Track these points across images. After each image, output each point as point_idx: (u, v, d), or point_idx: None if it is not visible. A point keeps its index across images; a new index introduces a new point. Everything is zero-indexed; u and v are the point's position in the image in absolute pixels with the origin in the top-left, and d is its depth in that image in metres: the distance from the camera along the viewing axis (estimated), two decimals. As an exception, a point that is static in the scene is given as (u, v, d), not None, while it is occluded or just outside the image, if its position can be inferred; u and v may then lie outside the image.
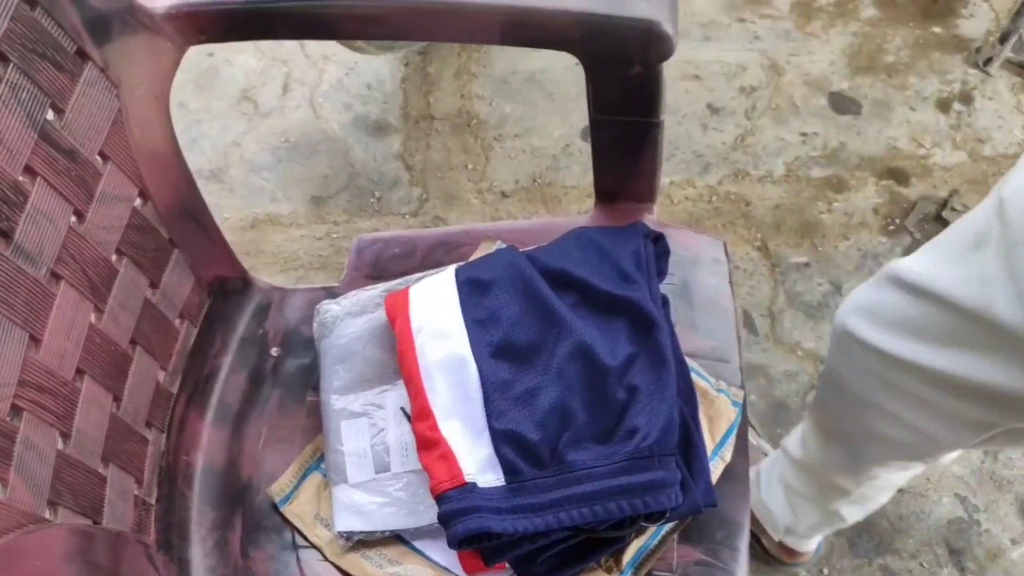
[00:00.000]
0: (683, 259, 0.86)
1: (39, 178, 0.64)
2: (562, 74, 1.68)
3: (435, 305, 0.78)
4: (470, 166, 1.62)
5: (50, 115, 0.64)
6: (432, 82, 1.70)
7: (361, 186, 1.63)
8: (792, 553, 1.20)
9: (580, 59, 0.73)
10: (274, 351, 0.90)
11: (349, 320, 0.86)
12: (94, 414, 0.71)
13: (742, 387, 0.81)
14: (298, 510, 0.80)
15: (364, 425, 0.81)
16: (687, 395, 0.76)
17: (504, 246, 0.88)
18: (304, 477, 0.82)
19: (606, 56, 0.73)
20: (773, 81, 1.67)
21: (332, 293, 0.91)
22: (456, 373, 0.74)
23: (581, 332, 0.73)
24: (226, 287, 0.89)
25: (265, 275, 1.53)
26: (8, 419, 0.61)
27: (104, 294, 0.72)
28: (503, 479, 0.69)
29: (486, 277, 0.79)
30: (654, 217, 0.88)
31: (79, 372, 0.69)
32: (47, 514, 0.63)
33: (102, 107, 0.69)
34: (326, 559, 0.76)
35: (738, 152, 1.59)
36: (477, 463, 0.70)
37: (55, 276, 0.66)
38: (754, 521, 1.16)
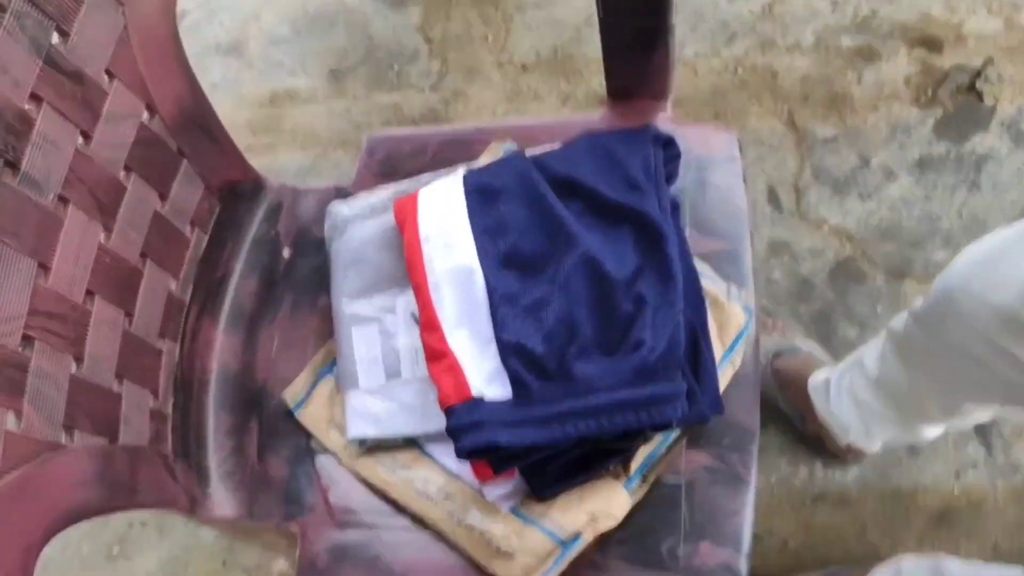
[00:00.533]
0: (697, 158, 0.84)
1: (44, 104, 0.63)
2: None
3: (443, 213, 0.78)
4: (490, 38, 1.57)
5: (55, 39, 0.63)
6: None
7: (380, 59, 1.59)
8: (857, 453, 1.16)
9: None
10: (286, 252, 0.91)
11: (359, 222, 0.86)
12: (106, 334, 0.72)
13: (754, 288, 0.80)
14: (312, 415, 0.82)
15: (375, 331, 0.82)
16: (695, 303, 0.76)
17: (514, 147, 0.87)
18: (317, 382, 0.84)
19: None
20: (805, -56, 1.58)
21: (343, 193, 0.91)
22: (463, 284, 0.74)
23: (588, 244, 0.73)
24: (236, 191, 0.89)
25: (285, 153, 1.53)
26: (20, 349, 0.62)
27: (112, 212, 0.72)
28: (510, 392, 0.70)
29: (495, 184, 0.78)
30: (667, 114, 0.86)
31: (89, 294, 0.70)
32: (63, 439, 0.65)
33: (107, 25, 0.67)
34: (341, 463, 0.79)
35: (765, 22, 1.52)
36: (484, 375, 0.71)
37: (62, 200, 0.66)
38: (815, 420, 1.14)
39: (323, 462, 0.80)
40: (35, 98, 0.62)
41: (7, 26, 0.58)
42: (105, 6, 0.66)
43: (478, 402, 0.70)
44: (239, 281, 0.89)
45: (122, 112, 0.70)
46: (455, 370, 0.71)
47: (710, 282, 0.79)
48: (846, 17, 1.51)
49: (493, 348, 0.72)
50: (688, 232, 0.81)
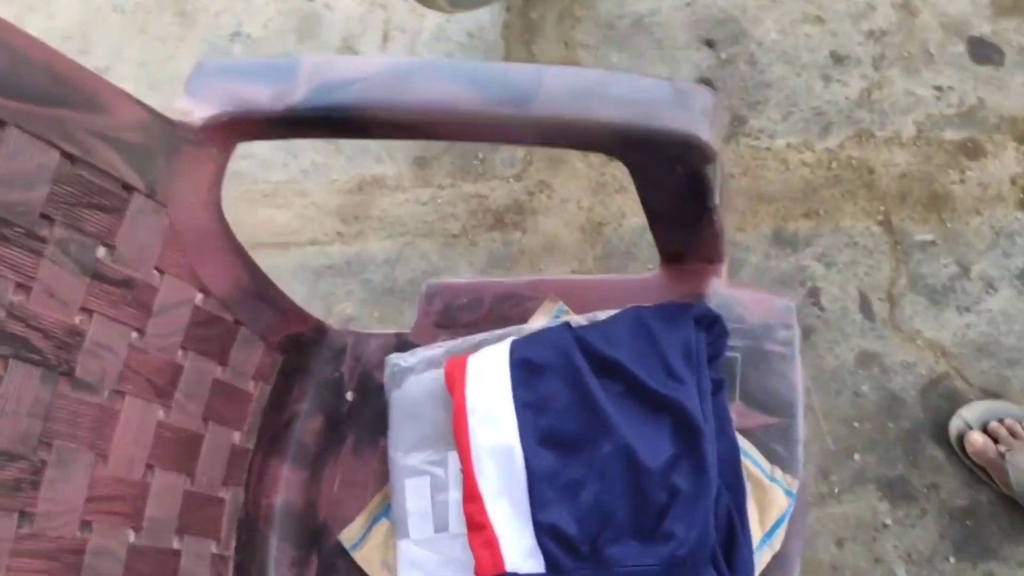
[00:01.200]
0: (752, 326, 0.83)
1: (95, 315, 0.67)
2: (672, 15, 1.59)
3: (489, 385, 0.80)
4: (576, 127, 1.58)
5: (101, 252, 0.67)
6: (535, 29, 1.64)
7: (464, 146, 1.62)
8: None
9: (623, 163, 0.70)
10: (349, 395, 0.94)
11: (416, 375, 0.89)
12: (167, 499, 0.76)
13: (802, 468, 0.78)
14: (367, 556, 0.86)
15: (426, 483, 0.84)
16: (735, 485, 0.75)
17: (565, 310, 0.88)
18: (374, 523, 0.87)
19: (647, 162, 0.69)
20: (906, 24, 1.51)
21: (403, 340, 0.94)
22: (504, 459, 0.77)
23: (625, 431, 0.74)
24: (299, 340, 0.93)
25: (374, 240, 1.57)
26: (78, 534, 0.67)
27: (170, 392, 0.76)
28: (543, 568, 0.73)
29: (539, 359, 0.79)
30: (722, 279, 0.85)
31: (149, 467, 0.75)
32: (118, 602, 0.70)
33: (152, 229, 0.71)
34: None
35: (863, 109, 1.47)
36: (520, 551, 0.74)
37: (119, 393, 0.71)
38: None
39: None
40: (85, 310, 0.66)
41: (50, 255, 0.62)
42: (147, 212, 0.69)
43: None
44: (304, 420, 0.92)
45: (175, 301, 0.74)
46: (492, 545, 0.74)
47: (752, 464, 0.78)
48: (951, 106, 1.44)
49: (530, 526, 0.74)
50: (736, 406, 0.80)
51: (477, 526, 0.76)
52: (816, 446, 1.24)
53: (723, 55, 1.53)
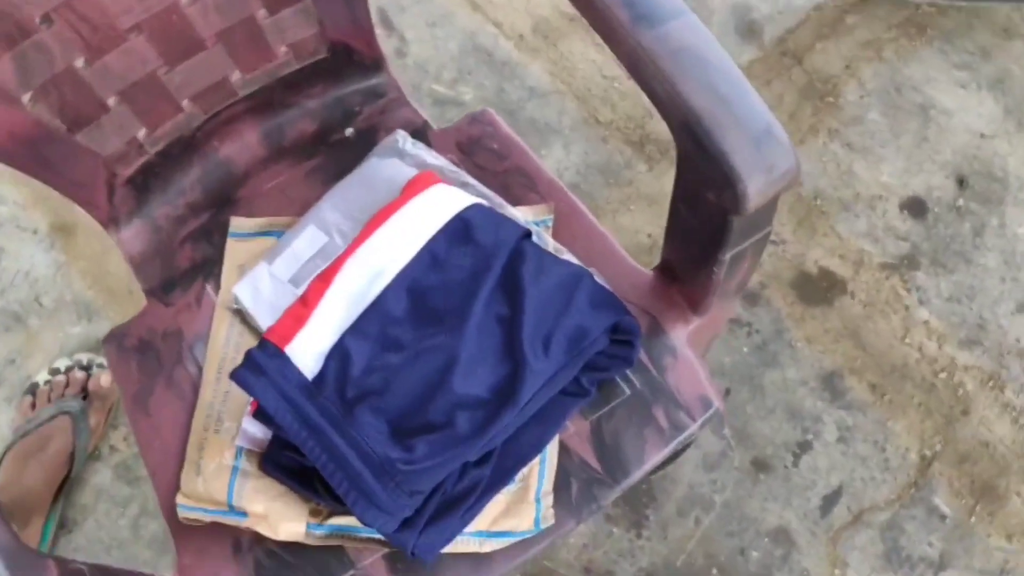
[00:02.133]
0: (661, 384, 0.79)
1: None
2: (950, 123, 1.45)
3: (424, 215, 0.80)
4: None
5: None
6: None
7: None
8: None
9: (675, 141, 0.66)
10: (349, 131, 0.94)
11: (399, 162, 0.88)
12: (131, 64, 0.79)
13: (572, 523, 0.76)
14: (246, 250, 0.88)
15: (321, 240, 0.86)
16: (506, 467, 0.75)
17: (546, 227, 0.86)
18: (268, 234, 0.89)
19: (693, 163, 0.65)
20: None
21: (423, 132, 0.93)
22: (370, 277, 0.78)
23: (465, 347, 0.73)
24: (352, 55, 0.92)
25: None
26: (36, 20, 0.69)
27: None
28: (311, 377, 0.73)
29: (475, 234, 0.78)
30: (685, 330, 0.81)
31: (136, 28, 0.76)
32: (24, 99, 0.73)
33: None
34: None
35: None
36: (311, 348, 0.75)
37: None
38: None
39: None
40: None
41: None
42: None
43: (284, 358, 0.73)
44: (298, 115, 0.93)
45: None
46: (299, 323, 0.76)
47: (541, 468, 0.77)
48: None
49: (334, 340, 0.75)
50: (579, 423, 0.78)
51: (305, 301, 0.77)
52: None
53: (960, 201, 1.41)
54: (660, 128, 1.45)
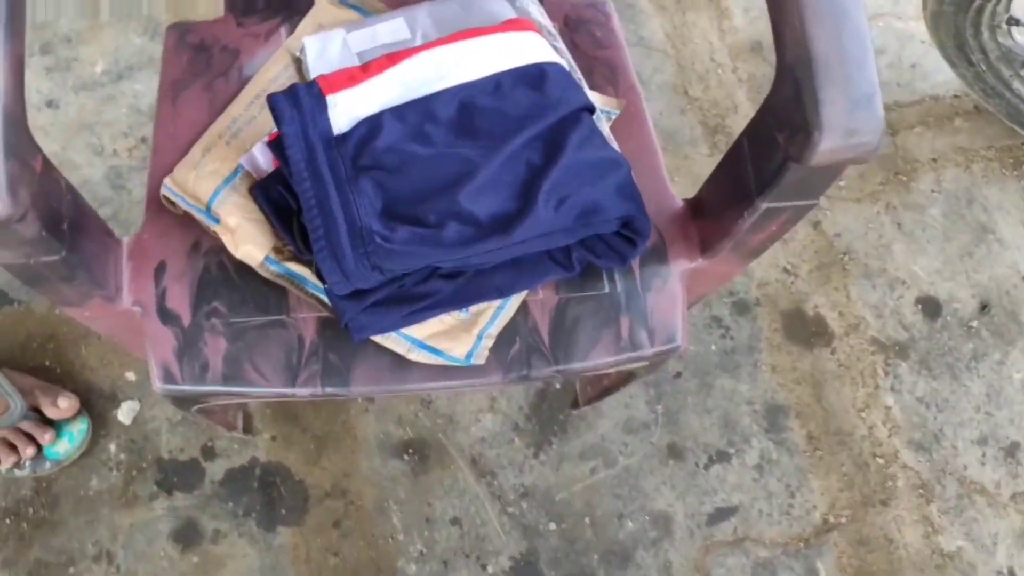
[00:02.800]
0: (641, 306, 0.82)
1: None
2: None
3: (502, 50, 0.81)
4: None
5: None
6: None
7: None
8: None
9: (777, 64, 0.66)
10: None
11: (508, 3, 0.90)
12: None
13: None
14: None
15: (403, 34, 0.87)
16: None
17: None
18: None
19: (778, 104, 0.65)
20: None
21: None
22: (434, 76, 0.79)
23: (482, 168, 0.74)
24: None
25: None
26: None
27: None
28: (336, 132, 0.75)
29: (546, 86, 0.79)
30: (689, 266, 0.82)
31: None
32: None
33: None
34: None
35: None
36: (350, 107, 0.76)
37: None
38: None
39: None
40: None
41: None
42: None
43: (322, 104, 0.76)
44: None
45: None
46: (351, 81, 0.77)
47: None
48: None
49: (373, 111, 0.77)
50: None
51: (365, 68, 0.78)
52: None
53: (975, 323, 1.42)
54: (737, 126, 1.46)
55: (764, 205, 0.69)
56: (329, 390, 0.76)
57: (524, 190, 0.74)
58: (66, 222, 0.65)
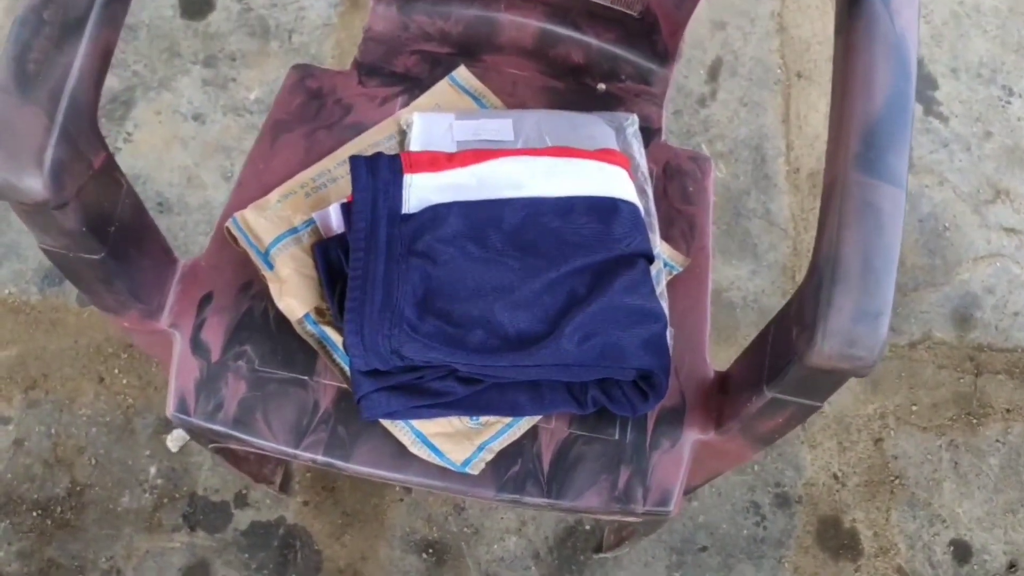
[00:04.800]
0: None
1: None
2: None
3: (586, 176, 0.80)
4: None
5: None
6: None
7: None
8: None
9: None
10: (600, 87, 0.96)
11: (613, 135, 0.88)
12: None
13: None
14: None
15: (507, 134, 0.86)
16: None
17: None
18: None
19: (805, 295, 0.62)
20: None
21: (652, 133, 0.92)
22: (514, 182, 0.79)
23: (525, 286, 0.73)
24: (652, 33, 0.93)
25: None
26: None
27: None
28: (403, 210, 0.75)
29: (614, 222, 0.77)
30: (701, 437, 0.77)
31: None
32: None
33: None
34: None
35: None
36: (424, 190, 0.76)
37: None
38: None
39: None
40: None
41: None
42: None
43: (400, 179, 0.76)
44: (577, 41, 0.95)
45: None
46: (434, 166, 0.78)
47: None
48: None
49: (444, 200, 0.76)
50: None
51: (451, 157, 0.79)
52: None
53: None
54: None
55: (770, 395, 0.65)
56: (328, 460, 0.73)
57: (556, 317, 0.72)
58: (115, 226, 0.65)
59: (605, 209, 0.77)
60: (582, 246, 0.75)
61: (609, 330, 0.71)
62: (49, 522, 1.19)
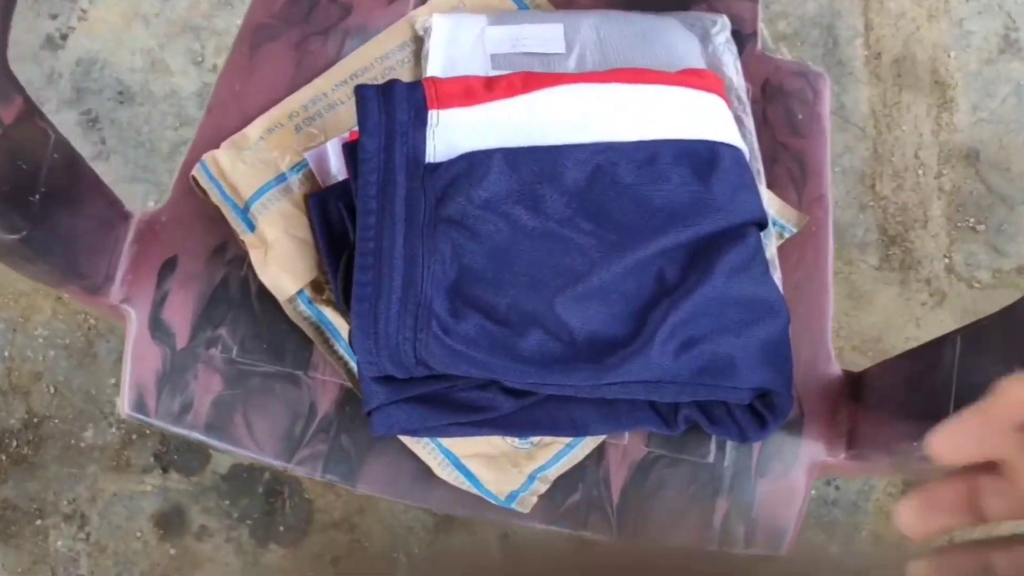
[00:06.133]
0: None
1: None
2: None
3: (673, 112, 0.60)
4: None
5: None
6: None
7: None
8: None
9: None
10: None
11: (698, 44, 0.69)
12: None
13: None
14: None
15: (557, 45, 0.67)
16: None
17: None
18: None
19: None
20: None
21: (744, 38, 0.73)
22: (575, 123, 0.59)
23: (598, 273, 0.55)
24: None
25: None
26: None
27: None
28: (428, 159, 0.57)
29: (714, 178, 0.58)
30: (824, 461, 0.61)
31: None
32: None
33: None
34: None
35: None
36: (456, 133, 0.57)
37: None
38: None
39: None
40: None
41: None
42: None
43: (422, 118, 0.57)
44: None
45: None
46: (469, 99, 0.58)
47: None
48: None
49: (482, 147, 0.57)
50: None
51: (490, 84, 0.59)
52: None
53: None
54: (921, 244, 1.20)
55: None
56: (330, 478, 0.58)
57: (641, 314, 0.54)
58: (40, 192, 0.48)
59: (701, 160, 0.58)
60: (673, 212, 0.56)
61: (715, 335, 0.53)
62: (3, 457, 1.05)
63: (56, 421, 1.06)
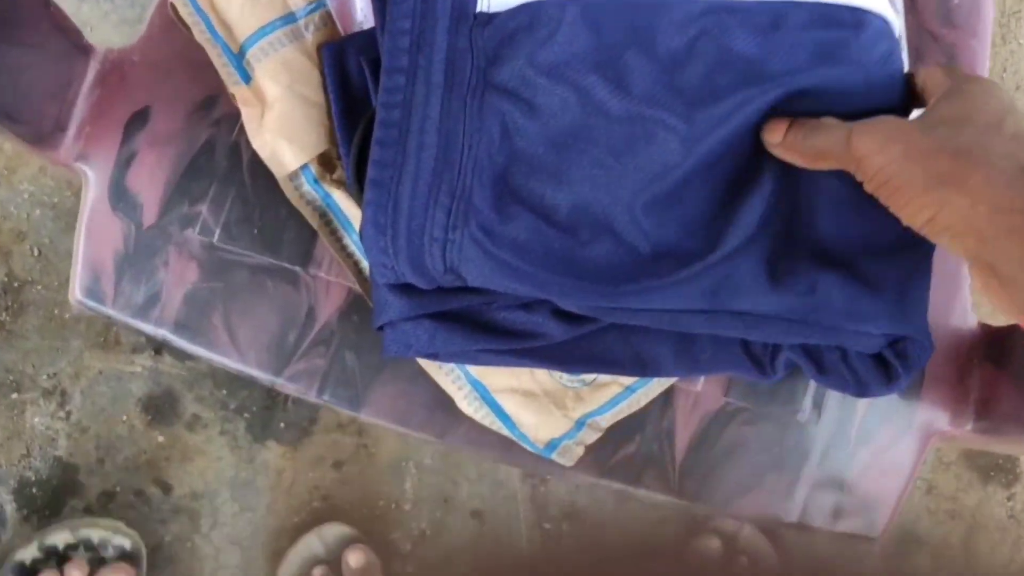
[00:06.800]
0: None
1: None
2: None
3: None
4: None
5: None
6: None
7: None
8: None
9: None
10: None
11: None
12: None
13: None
14: None
15: None
16: None
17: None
18: None
19: None
20: None
21: None
22: None
23: (694, 165, 0.41)
24: None
25: None
26: None
27: None
28: (482, 7, 0.43)
29: (852, 44, 0.43)
30: (948, 430, 0.49)
31: None
32: None
33: None
34: None
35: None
36: None
37: None
38: None
39: None
40: None
41: None
42: None
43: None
44: None
45: None
46: None
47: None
48: None
49: None
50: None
51: None
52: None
53: None
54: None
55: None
56: (327, 400, 0.47)
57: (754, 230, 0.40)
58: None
59: (840, 27, 0.43)
60: (804, 94, 0.42)
61: (850, 257, 0.40)
62: (-21, 323, 0.95)
63: (39, 288, 0.96)
